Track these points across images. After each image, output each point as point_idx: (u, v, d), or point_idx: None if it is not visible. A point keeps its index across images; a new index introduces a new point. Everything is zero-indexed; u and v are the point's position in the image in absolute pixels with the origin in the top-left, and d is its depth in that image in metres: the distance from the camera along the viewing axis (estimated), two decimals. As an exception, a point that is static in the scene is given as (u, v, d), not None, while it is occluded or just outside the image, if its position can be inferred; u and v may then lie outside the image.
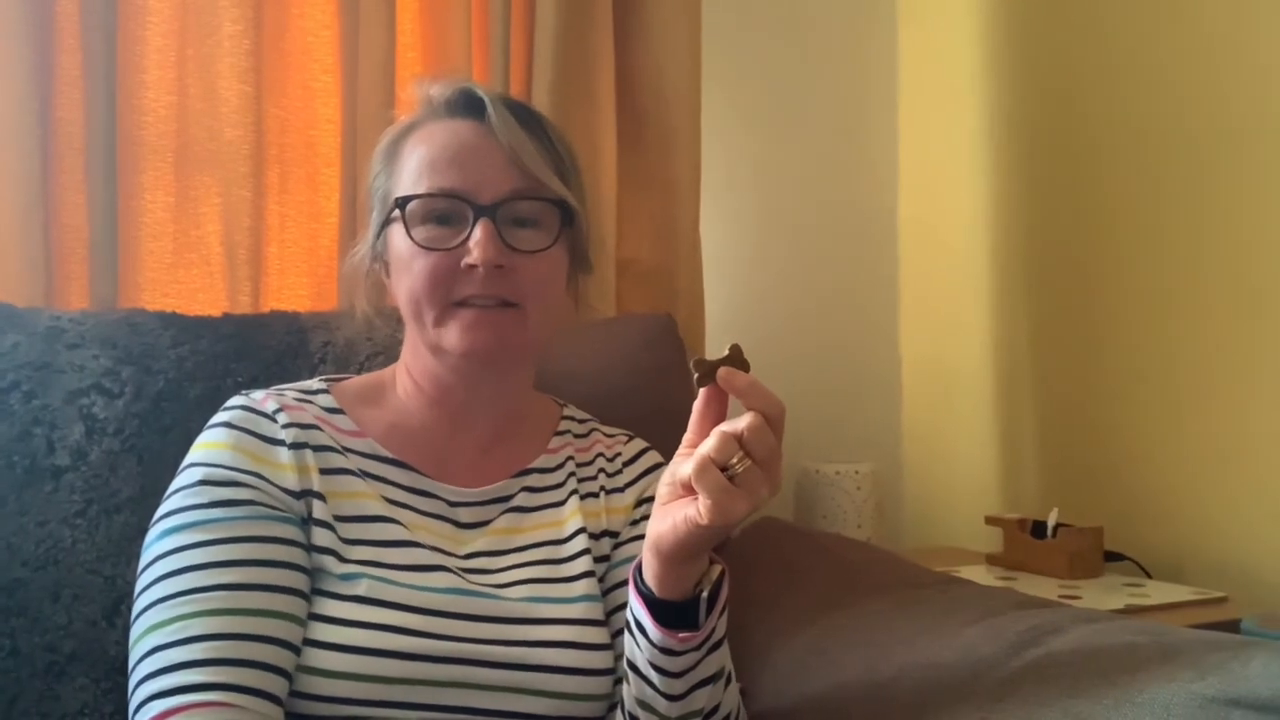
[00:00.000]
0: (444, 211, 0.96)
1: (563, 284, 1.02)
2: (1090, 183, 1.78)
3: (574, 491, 1.05)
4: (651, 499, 0.95)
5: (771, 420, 0.75)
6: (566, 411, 1.13)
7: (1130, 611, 1.41)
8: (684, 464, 0.77)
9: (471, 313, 0.95)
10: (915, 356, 2.12)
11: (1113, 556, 1.64)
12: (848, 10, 2.10)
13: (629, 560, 0.98)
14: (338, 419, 1.01)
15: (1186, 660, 0.71)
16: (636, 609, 0.84)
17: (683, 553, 0.80)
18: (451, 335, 0.96)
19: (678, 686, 0.85)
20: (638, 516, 1.05)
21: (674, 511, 0.79)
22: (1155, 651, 0.73)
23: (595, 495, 1.05)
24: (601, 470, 1.08)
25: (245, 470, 0.93)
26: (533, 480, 1.05)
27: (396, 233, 0.99)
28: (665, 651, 0.83)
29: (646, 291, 1.72)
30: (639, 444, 1.12)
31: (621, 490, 1.07)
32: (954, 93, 2.03)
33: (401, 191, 0.98)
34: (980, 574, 1.64)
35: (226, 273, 1.50)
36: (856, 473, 1.79)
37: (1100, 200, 1.76)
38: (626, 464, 1.09)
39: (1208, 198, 1.60)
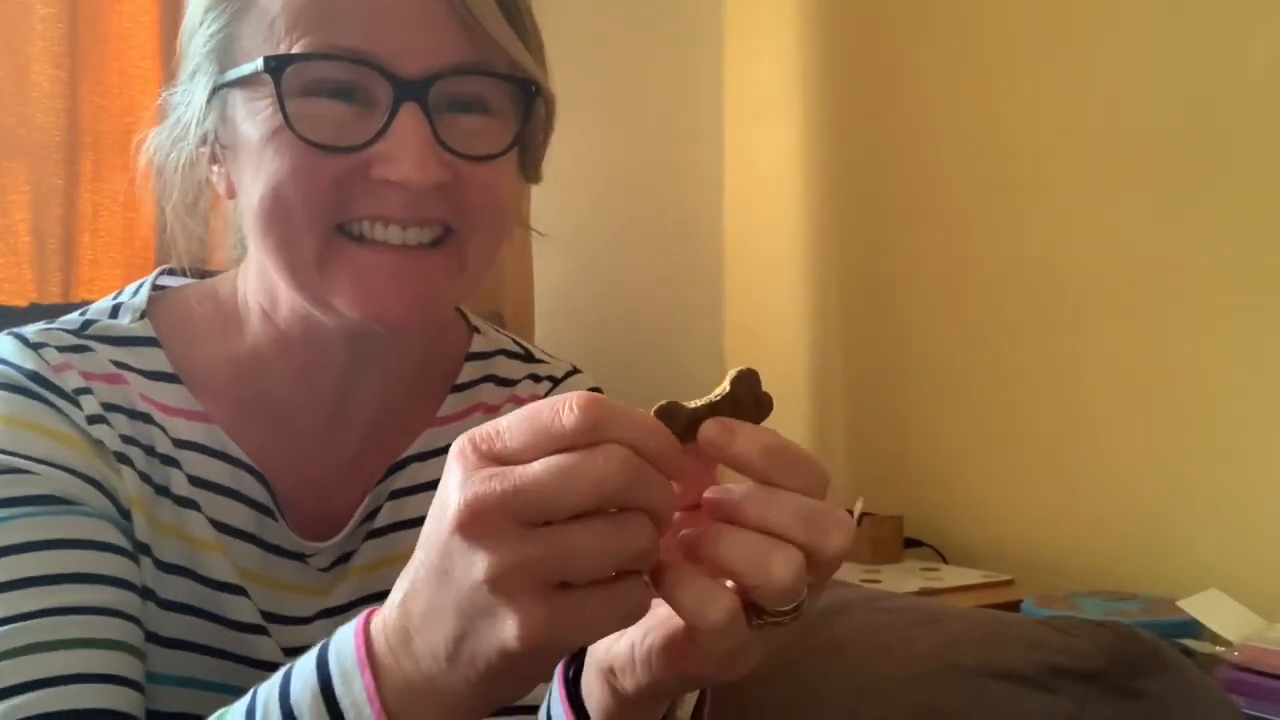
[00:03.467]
0: (342, 85, 0.63)
1: (515, 204, 0.71)
2: (898, 193, 1.89)
3: None
4: None
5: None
6: (477, 343, 0.78)
7: (925, 593, 1.52)
8: (671, 575, 0.46)
9: (385, 255, 0.63)
10: (738, 357, 2.21)
11: (912, 543, 1.76)
12: (675, 20, 2.17)
13: None
14: (167, 391, 0.69)
15: (957, 636, 0.79)
16: None
17: (650, 696, 0.52)
18: (345, 288, 0.64)
19: None
20: None
21: (634, 636, 0.50)
22: (931, 630, 0.81)
23: None
24: None
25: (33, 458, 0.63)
26: (409, 476, 0.73)
27: (248, 106, 0.64)
28: None
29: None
30: (576, 386, 0.76)
31: None
32: (776, 104, 2.12)
33: (269, 46, 0.63)
34: (792, 561, 1.73)
35: (35, 262, 1.46)
36: (678, 466, 1.86)
37: (908, 211, 1.88)
38: None
39: (1008, 210, 1.73)
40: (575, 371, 0.79)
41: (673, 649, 0.48)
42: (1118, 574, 1.53)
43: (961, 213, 1.78)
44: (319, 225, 0.63)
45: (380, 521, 0.72)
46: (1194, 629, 1.22)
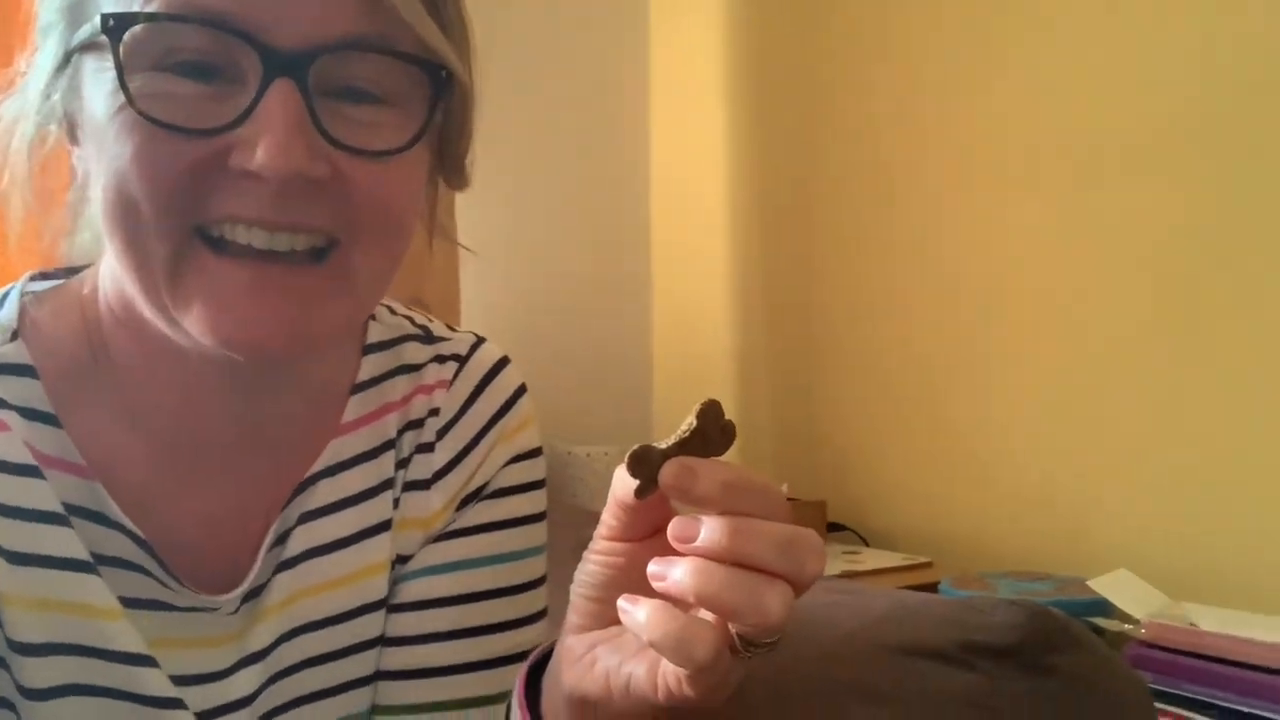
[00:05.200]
0: (202, 57, 0.52)
1: (420, 207, 0.60)
2: (823, 183, 1.92)
3: (394, 490, 0.65)
4: (486, 492, 0.65)
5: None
6: (374, 331, 0.68)
7: (846, 576, 1.56)
8: (651, 614, 0.45)
9: (244, 265, 0.53)
10: (665, 342, 2.22)
11: (835, 527, 1.79)
12: (600, 10, 2.17)
13: (413, 609, 0.64)
14: (46, 437, 0.58)
15: (878, 616, 0.81)
16: None
17: (616, 715, 0.51)
18: (194, 303, 0.53)
19: None
20: (449, 528, 0.66)
21: (608, 666, 0.48)
22: (852, 610, 0.83)
23: (425, 484, 0.67)
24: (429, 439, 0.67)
25: None
26: (320, 495, 0.64)
27: (96, 76, 0.54)
28: None
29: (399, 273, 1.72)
30: (478, 368, 0.69)
31: (426, 485, 0.66)
32: (702, 94, 2.13)
33: (123, 3, 0.51)
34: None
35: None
36: (606, 454, 1.87)
37: (833, 201, 1.91)
38: (450, 423, 0.67)
39: (930, 200, 1.76)
40: (480, 342, 0.71)
41: (653, 680, 0.47)
42: (1031, 555, 1.58)
43: (885, 203, 1.81)
44: (172, 225, 0.52)
45: (292, 549, 0.63)
46: (1104, 607, 1.26)
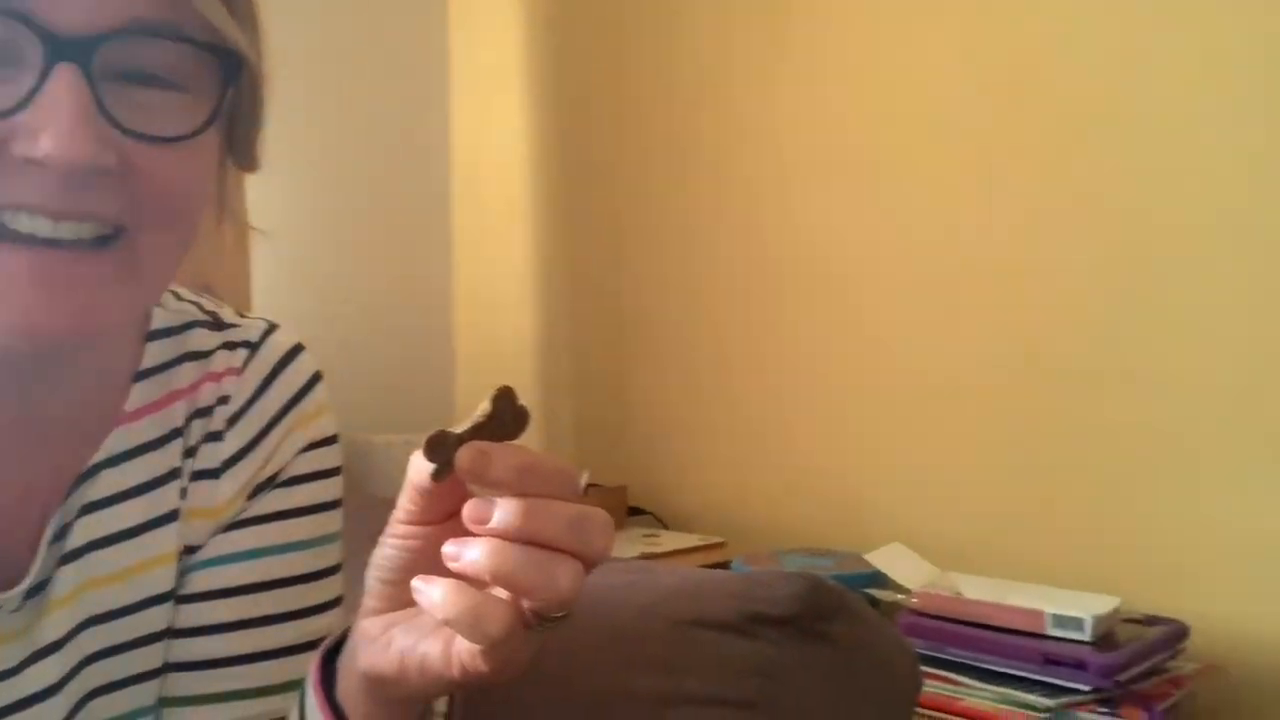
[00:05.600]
0: None
1: (208, 194, 0.60)
2: (625, 169, 1.96)
3: (181, 479, 0.64)
4: (279, 480, 0.65)
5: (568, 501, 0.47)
6: (159, 317, 0.67)
7: (645, 557, 1.60)
8: (445, 592, 0.47)
9: (26, 254, 0.52)
10: (467, 330, 2.22)
11: (635, 511, 1.84)
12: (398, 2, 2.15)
13: (202, 599, 0.64)
14: None
15: (668, 592, 0.85)
16: None
17: (420, 699, 0.54)
18: None
19: None
20: (240, 516, 0.66)
21: (403, 646, 0.50)
22: (645, 588, 0.86)
23: (214, 473, 0.66)
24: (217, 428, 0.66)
25: None
26: (103, 485, 0.63)
27: None
28: None
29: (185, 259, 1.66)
30: (270, 355, 0.68)
31: (215, 474, 0.66)
32: (503, 78, 2.13)
33: None
34: (520, 533, 1.78)
35: None
36: (407, 443, 1.85)
37: (634, 189, 1.95)
38: (240, 411, 0.66)
39: (723, 192, 1.83)
40: (272, 329, 0.70)
41: (448, 657, 0.48)
42: (817, 533, 1.66)
43: (688, 192, 1.87)
44: None
45: (74, 542, 0.61)
46: (879, 579, 1.35)
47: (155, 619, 0.64)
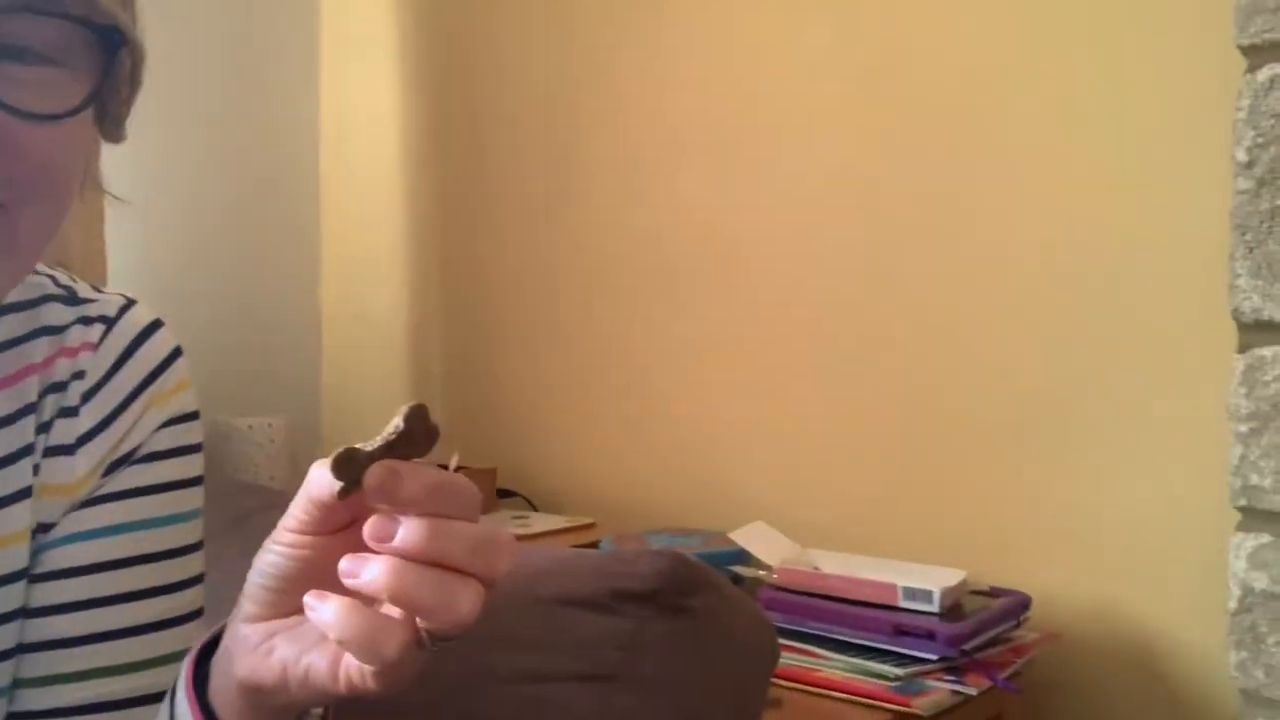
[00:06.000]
0: None
1: (82, 171, 0.60)
2: (497, 151, 1.96)
3: (34, 455, 0.63)
4: (136, 457, 0.64)
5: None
6: (11, 293, 0.65)
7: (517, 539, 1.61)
8: (339, 612, 0.46)
9: None
10: (335, 309, 2.19)
11: (505, 493, 1.85)
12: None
13: (57, 577, 0.63)
14: None
15: (536, 571, 0.86)
16: None
17: (298, 708, 0.53)
18: None
19: None
20: (96, 493, 0.65)
21: (285, 656, 0.49)
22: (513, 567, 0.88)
23: (69, 449, 0.65)
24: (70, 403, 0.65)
25: None
26: None
27: None
28: None
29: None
30: (127, 330, 0.67)
31: (70, 450, 0.64)
32: (373, 43, 2.10)
33: None
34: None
35: None
36: (269, 425, 1.82)
37: (506, 162, 1.95)
38: (96, 386, 0.65)
39: (599, 176, 1.84)
40: (130, 304, 0.69)
41: (334, 672, 0.48)
42: (684, 513, 1.70)
43: (558, 173, 1.88)
44: None
45: None
46: (744, 557, 1.39)
47: (7, 599, 0.62)
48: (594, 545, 1.55)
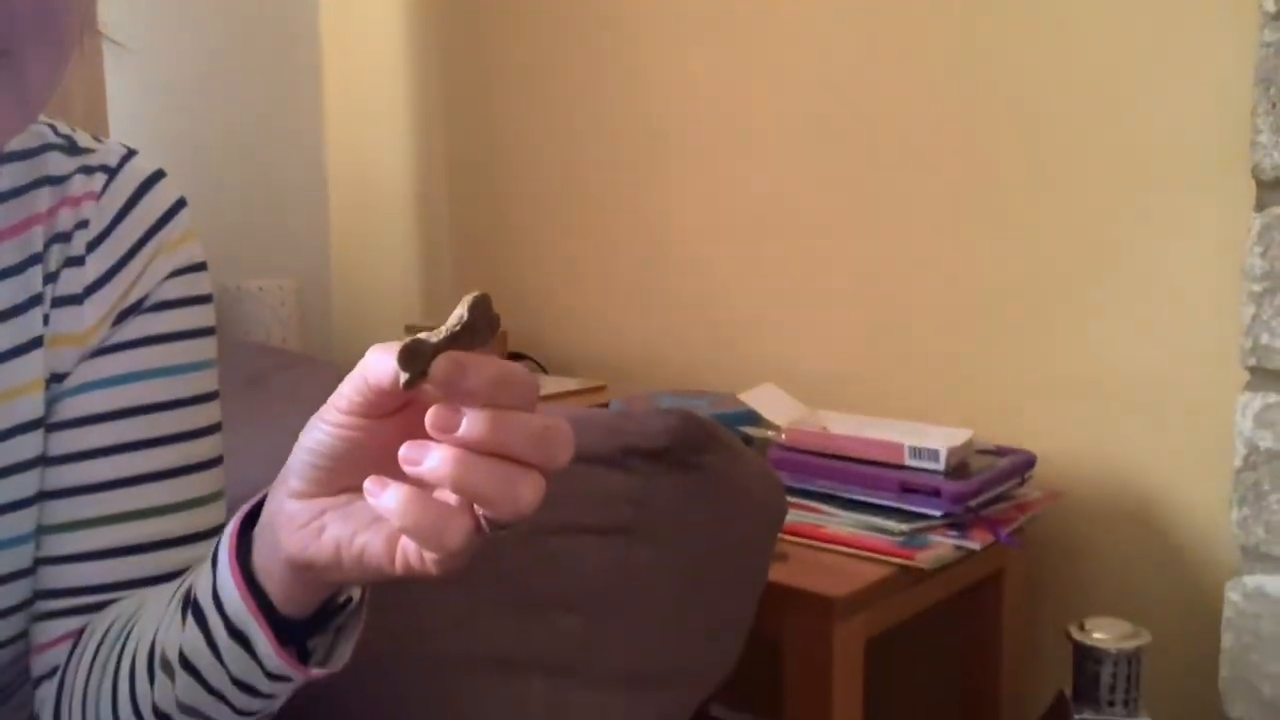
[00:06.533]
0: None
1: (80, 11, 0.60)
2: (504, 17, 1.91)
3: (44, 305, 0.64)
4: (145, 306, 0.65)
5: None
6: (11, 143, 0.66)
7: (526, 401, 1.63)
8: (403, 501, 0.47)
9: None
10: (341, 171, 2.17)
11: (516, 356, 1.86)
12: None
13: (73, 426, 0.64)
14: None
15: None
16: (243, 616, 0.55)
17: (350, 584, 0.55)
18: None
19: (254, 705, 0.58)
20: (107, 343, 0.65)
21: (338, 535, 0.50)
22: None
23: (77, 299, 0.65)
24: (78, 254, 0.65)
25: None
26: None
27: None
28: (273, 678, 0.56)
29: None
30: (129, 180, 0.67)
31: (78, 300, 0.65)
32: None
33: None
34: (401, 378, 1.78)
35: None
36: (280, 287, 1.82)
37: (512, 31, 1.90)
38: (101, 236, 0.66)
39: (607, 47, 1.79)
40: (132, 154, 0.69)
41: (390, 553, 0.49)
42: (693, 376, 1.71)
43: (562, 43, 1.83)
44: None
45: None
46: (753, 417, 1.40)
47: (25, 447, 0.63)
48: (604, 407, 1.57)
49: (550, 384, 1.74)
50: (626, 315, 1.81)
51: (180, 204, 0.68)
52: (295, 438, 0.52)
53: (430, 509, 0.46)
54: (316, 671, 0.55)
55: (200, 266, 0.69)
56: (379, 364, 0.47)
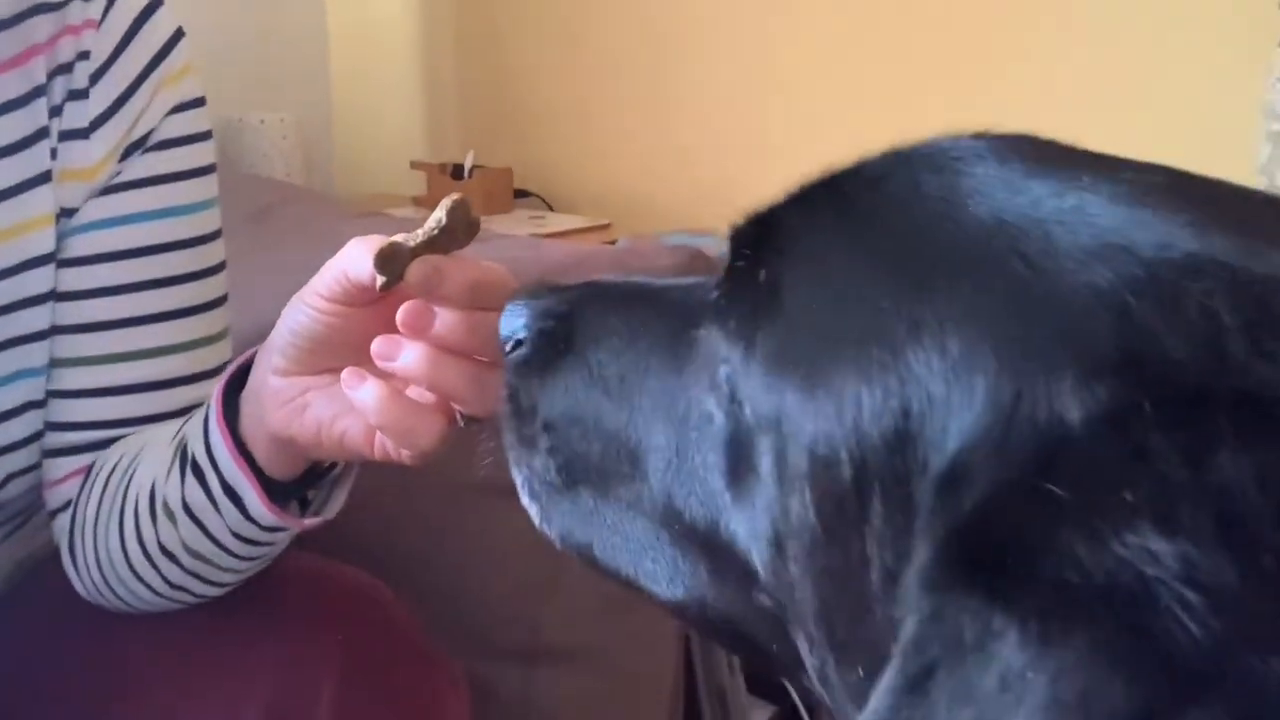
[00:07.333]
0: None
1: None
2: None
3: (50, 139, 0.62)
4: (150, 144, 0.64)
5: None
6: None
7: (534, 237, 1.62)
8: (379, 399, 0.47)
9: None
10: (339, 5, 2.10)
11: (521, 194, 1.84)
12: None
13: (83, 264, 0.64)
14: None
15: (553, 265, 0.88)
16: (236, 477, 0.56)
17: (325, 459, 0.57)
18: None
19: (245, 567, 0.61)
20: (114, 180, 0.64)
21: (320, 416, 0.52)
22: (530, 260, 0.89)
23: (83, 134, 0.63)
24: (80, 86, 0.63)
25: None
26: None
27: None
28: (268, 529, 0.58)
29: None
30: (129, 7, 0.65)
31: (84, 134, 0.64)
32: None
33: None
34: (406, 214, 1.77)
35: None
36: (281, 120, 1.79)
37: None
38: (103, 67, 0.64)
39: None
40: None
41: (369, 440, 0.50)
42: (699, 216, 1.70)
43: None
44: None
45: None
46: (758, 256, 1.40)
47: (37, 281, 0.64)
48: (610, 245, 1.57)
49: (555, 222, 1.74)
50: (632, 154, 1.79)
51: (179, 34, 0.67)
52: (300, 274, 0.53)
53: (403, 408, 0.47)
54: (310, 521, 0.58)
55: (200, 102, 0.68)
56: (358, 259, 0.48)
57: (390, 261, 0.46)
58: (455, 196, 0.48)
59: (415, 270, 0.46)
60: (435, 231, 0.47)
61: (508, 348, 0.42)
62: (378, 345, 0.47)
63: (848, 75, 1.55)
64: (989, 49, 1.42)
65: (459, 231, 0.47)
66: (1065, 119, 1.23)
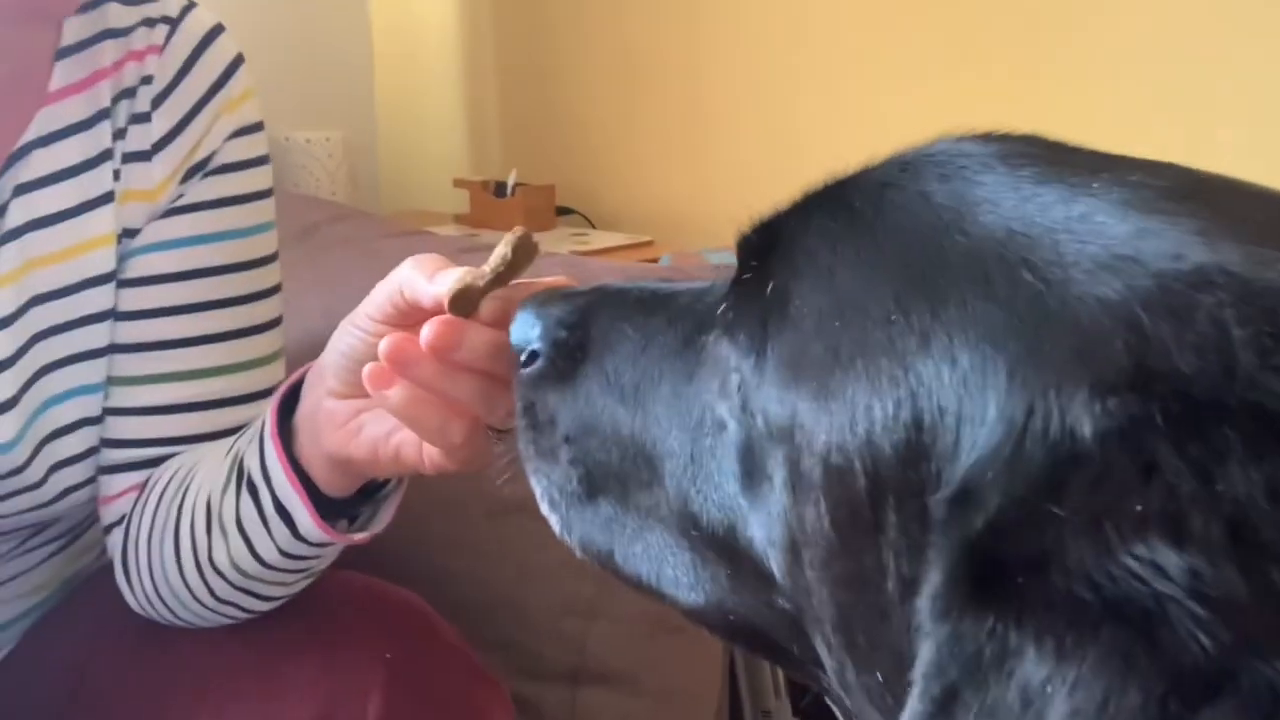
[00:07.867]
0: None
1: None
2: None
3: (114, 161, 0.64)
4: (210, 167, 0.65)
5: None
6: None
7: (576, 255, 1.62)
8: (404, 399, 0.50)
9: None
10: (385, 22, 2.12)
11: (564, 211, 1.85)
12: None
13: (142, 284, 0.65)
14: None
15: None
16: (289, 495, 0.58)
17: (381, 476, 0.59)
18: None
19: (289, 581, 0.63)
20: (175, 202, 0.66)
21: (375, 435, 0.54)
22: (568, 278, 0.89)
23: (146, 155, 0.65)
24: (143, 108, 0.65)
25: None
26: (34, 166, 0.63)
27: None
28: (316, 545, 0.60)
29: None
30: (191, 33, 0.67)
31: (147, 156, 0.65)
32: None
33: None
34: (449, 231, 1.78)
35: None
36: (328, 139, 1.81)
37: None
38: (165, 91, 0.65)
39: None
40: (191, 5, 0.69)
41: (420, 452, 0.53)
42: (743, 231, 1.69)
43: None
44: None
45: (12, 221, 0.62)
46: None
47: (97, 299, 0.65)
48: (654, 262, 1.56)
49: (597, 239, 1.74)
50: (676, 171, 1.79)
51: (239, 60, 0.69)
52: (345, 289, 0.53)
53: (430, 406, 0.49)
54: (358, 537, 0.60)
55: (259, 127, 0.70)
56: (415, 280, 0.50)
57: (463, 301, 0.49)
58: (519, 231, 0.51)
59: (488, 309, 0.49)
60: (501, 268, 0.49)
61: (521, 358, 0.43)
62: (385, 354, 0.50)
63: (891, 88, 1.54)
64: (1038, 82, 1.41)
65: (521, 260, 0.50)
66: (1099, 118, 1.20)
